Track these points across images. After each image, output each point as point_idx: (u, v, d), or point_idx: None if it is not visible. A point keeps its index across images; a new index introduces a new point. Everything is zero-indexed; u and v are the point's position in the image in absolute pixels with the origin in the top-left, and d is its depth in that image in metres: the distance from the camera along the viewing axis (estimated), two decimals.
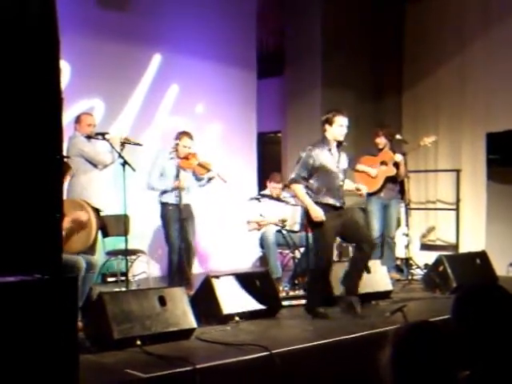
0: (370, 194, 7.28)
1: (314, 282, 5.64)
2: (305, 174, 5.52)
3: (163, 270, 7.31)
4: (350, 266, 5.70)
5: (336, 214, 5.54)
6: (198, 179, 6.63)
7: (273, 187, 7.38)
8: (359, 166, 7.44)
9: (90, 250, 5.50)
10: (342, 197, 5.62)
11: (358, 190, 5.83)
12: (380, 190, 7.44)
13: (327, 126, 5.54)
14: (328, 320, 5.36)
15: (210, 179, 6.60)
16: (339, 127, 5.51)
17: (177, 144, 6.46)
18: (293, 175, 5.57)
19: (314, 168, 5.50)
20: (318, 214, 5.45)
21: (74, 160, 5.89)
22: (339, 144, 5.60)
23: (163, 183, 6.46)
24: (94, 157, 6.07)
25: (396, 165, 7.44)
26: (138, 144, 6.17)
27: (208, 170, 6.51)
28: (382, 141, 7.53)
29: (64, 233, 4.32)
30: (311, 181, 5.54)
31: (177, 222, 6.42)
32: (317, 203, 5.49)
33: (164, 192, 6.50)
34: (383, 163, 7.48)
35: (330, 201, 5.52)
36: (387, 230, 7.55)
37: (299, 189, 5.55)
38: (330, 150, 5.55)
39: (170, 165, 6.45)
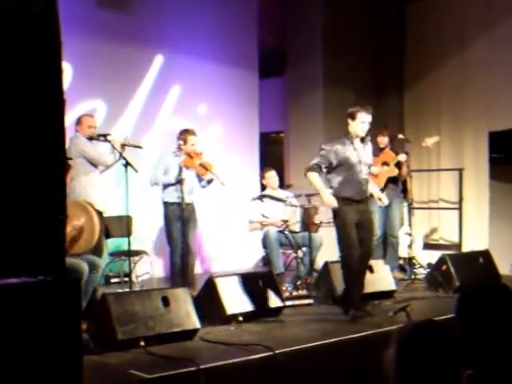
0: (371, 195, 7.28)
1: (348, 280, 5.62)
2: (323, 165, 5.57)
3: (166, 271, 7.32)
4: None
5: (356, 208, 5.56)
6: (200, 179, 6.63)
7: (269, 178, 7.35)
8: None
9: (97, 251, 5.50)
10: (364, 190, 5.64)
11: (379, 199, 5.90)
12: (382, 191, 7.44)
13: (350, 121, 5.58)
14: (335, 318, 5.39)
15: (209, 181, 6.59)
16: (361, 123, 5.54)
17: (180, 144, 6.45)
18: (310, 164, 5.61)
19: (335, 162, 5.55)
20: (329, 200, 5.51)
21: (75, 161, 5.88)
22: (362, 139, 5.63)
23: (166, 177, 6.45)
24: (95, 157, 6.07)
25: (398, 165, 7.45)
26: (138, 146, 6.16)
27: (208, 172, 6.50)
28: (384, 140, 7.56)
29: (67, 238, 4.32)
30: (333, 174, 5.59)
31: (179, 222, 6.42)
32: (337, 197, 5.54)
33: (166, 189, 6.48)
34: (385, 163, 7.49)
35: (351, 194, 5.55)
36: (391, 230, 7.56)
37: (314, 176, 5.58)
38: (352, 143, 5.59)
39: (173, 162, 6.45)
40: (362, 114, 5.53)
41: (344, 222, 5.52)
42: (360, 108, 5.55)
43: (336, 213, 5.59)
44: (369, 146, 5.73)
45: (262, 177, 7.48)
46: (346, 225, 5.52)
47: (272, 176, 7.39)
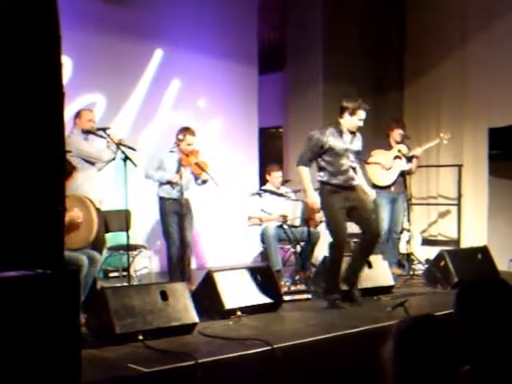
0: (381, 188, 7.29)
1: (331, 266, 5.66)
2: (312, 155, 5.61)
3: (165, 265, 7.32)
4: (353, 256, 5.83)
5: (344, 195, 5.59)
6: (196, 178, 6.64)
7: (275, 177, 7.39)
8: (372, 159, 7.42)
9: (97, 246, 5.48)
10: (352, 177, 5.65)
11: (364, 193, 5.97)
12: (392, 184, 7.47)
13: (346, 115, 5.57)
14: (334, 313, 5.42)
15: (204, 181, 6.60)
16: (358, 121, 5.58)
17: (179, 139, 6.45)
18: (301, 156, 5.66)
19: (322, 149, 5.57)
20: (313, 199, 5.61)
21: (71, 159, 5.85)
22: (352, 132, 5.66)
23: (159, 173, 6.48)
24: (92, 153, 6.04)
25: (409, 159, 7.47)
26: (132, 148, 6.08)
27: (203, 171, 6.50)
28: (402, 132, 7.56)
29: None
30: (320, 160, 5.63)
31: (175, 216, 6.45)
32: (324, 183, 5.59)
33: (162, 184, 6.50)
34: (397, 157, 7.49)
35: (338, 181, 5.59)
36: (394, 225, 7.56)
37: (304, 171, 5.63)
38: (341, 131, 5.60)
39: (170, 158, 6.46)
40: (362, 112, 5.55)
41: (329, 207, 5.57)
42: (360, 105, 5.56)
43: (322, 201, 5.63)
44: (358, 135, 5.74)
45: (268, 173, 7.47)
46: (335, 214, 5.56)
47: (278, 176, 7.44)
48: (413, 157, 7.50)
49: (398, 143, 7.55)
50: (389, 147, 7.54)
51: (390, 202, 7.50)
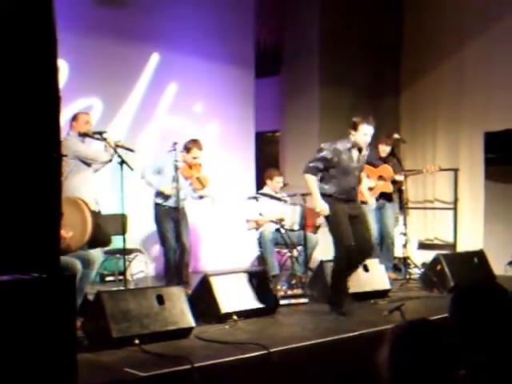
0: (363, 203, 7.27)
1: (339, 274, 5.65)
2: (321, 166, 5.58)
3: (161, 269, 7.32)
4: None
5: (346, 204, 5.61)
6: (194, 191, 6.64)
7: (276, 182, 7.36)
8: None
9: (101, 243, 5.47)
10: (353, 194, 5.69)
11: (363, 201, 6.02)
12: (376, 200, 7.43)
13: (352, 131, 5.58)
14: (330, 317, 5.41)
15: (201, 197, 6.61)
16: (363, 135, 5.55)
17: (186, 149, 6.46)
18: (309, 164, 5.62)
19: (330, 164, 5.57)
20: (322, 207, 5.53)
21: (68, 162, 5.84)
22: (360, 149, 5.66)
23: (155, 179, 6.48)
24: (89, 154, 6.02)
25: (394, 182, 7.45)
26: (130, 150, 6.09)
27: (203, 187, 6.51)
28: (386, 149, 7.51)
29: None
30: (325, 174, 5.62)
31: (171, 222, 6.46)
32: (326, 194, 5.58)
33: (159, 193, 6.52)
34: (381, 178, 7.45)
35: (340, 195, 5.60)
36: (385, 230, 7.55)
37: (312, 180, 5.60)
38: (350, 150, 5.60)
39: (170, 166, 6.43)
40: (364, 126, 5.52)
41: (335, 213, 5.55)
42: (362, 120, 5.54)
43: (320, 214, 5.64)
44: (364, 154, 5.75)
45: (270, 178, 7.42)
46: (340, 221, 5.54)
47: (280, 181, 7.42)
48: (395, 181, 7.49)
49: (380, 159, 7.51)
50: (376, 161, 7.48)
51: (376, 209, 7.45)
